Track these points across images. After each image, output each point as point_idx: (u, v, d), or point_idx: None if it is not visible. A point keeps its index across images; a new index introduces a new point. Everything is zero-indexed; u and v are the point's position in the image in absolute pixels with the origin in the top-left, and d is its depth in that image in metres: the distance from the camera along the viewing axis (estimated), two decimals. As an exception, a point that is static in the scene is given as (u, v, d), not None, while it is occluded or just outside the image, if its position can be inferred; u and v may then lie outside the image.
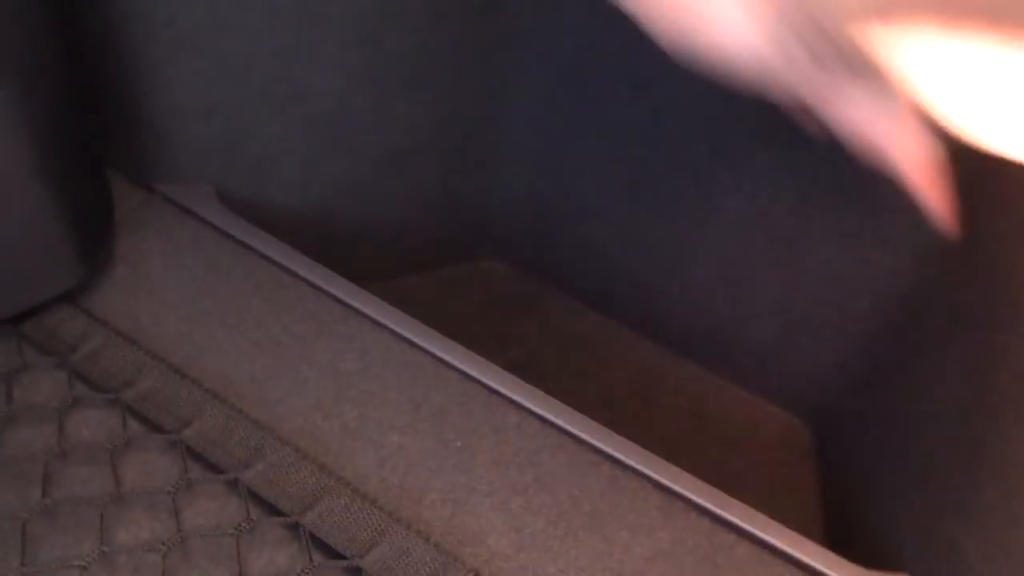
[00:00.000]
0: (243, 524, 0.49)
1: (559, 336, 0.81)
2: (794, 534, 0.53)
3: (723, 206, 0.68)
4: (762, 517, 0.54)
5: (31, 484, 0.50)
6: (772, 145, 0.64)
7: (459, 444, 0.55)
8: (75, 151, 0.56)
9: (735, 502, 0.54)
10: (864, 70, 0.24)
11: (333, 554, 0.49)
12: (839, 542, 0.67)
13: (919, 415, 0.59)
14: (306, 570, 0.47)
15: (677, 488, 0.55)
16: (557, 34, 0.67)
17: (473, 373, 0.58)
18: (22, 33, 0.48)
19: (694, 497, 0.54)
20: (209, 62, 0.61)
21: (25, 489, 0.50)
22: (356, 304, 0.61)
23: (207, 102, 0.63)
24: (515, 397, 0.57)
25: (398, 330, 0.60)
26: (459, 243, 0.80)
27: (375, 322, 0.61)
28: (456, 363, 0.59)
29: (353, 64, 0.64)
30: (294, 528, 0.50)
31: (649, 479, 0.55)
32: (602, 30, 0.66)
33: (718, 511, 0.54)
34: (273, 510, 0.50)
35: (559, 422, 0.57)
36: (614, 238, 0.75)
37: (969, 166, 0.41)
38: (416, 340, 0.59)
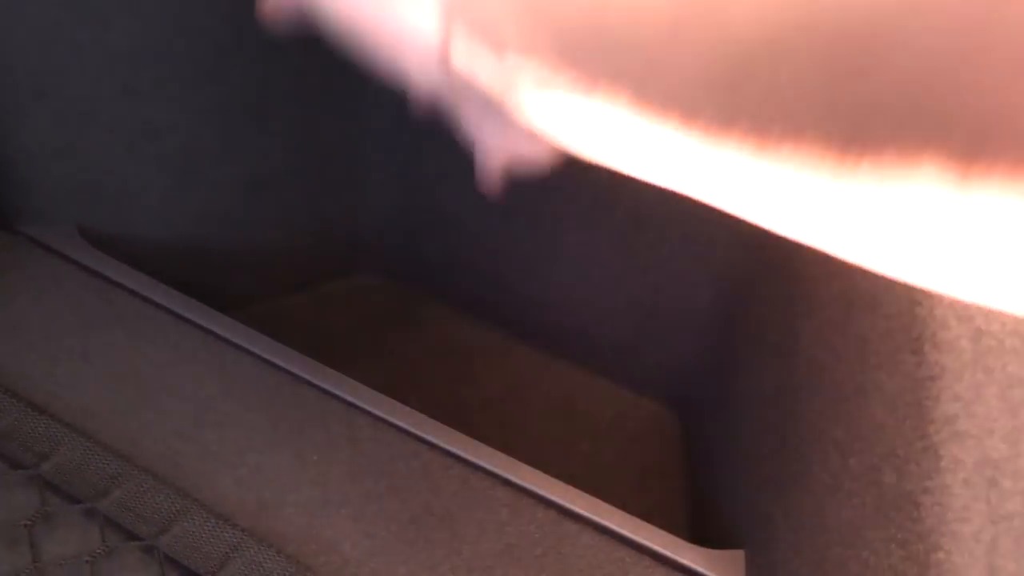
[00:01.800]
0: (99, 550, 0.51)
1: (435, 344, 0.84)
2: (636, 519, 0.57)
3: (568, 211, 0.72)
4: (605, 505, 0.58)
5: None
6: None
7: (316, 458, 0.58)
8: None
9: (580, 493, 0.58)
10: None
11: (187, 573, 0.51)
12: (700, 524, 0.72)
13: (748, 399, 0.63)
14: (160, 590, 0.50)
15: (525, 484, 0.58)
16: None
17: (330, 388, 0.61)
18: None
19: (541, 491, 0.58)
20: (55, 105, 0.63)
21: None
22: (217, 330, 0.63)
23: (58, 144, 0.65)
24: (371, 409, 0.60)
25: (258, 352, 0.62)
26: (332, 261, 0.83)
27: (236, 346, 0.63)
28: (314, 380, 0.61)
29: (198, 99, 0.66)
30: (149, 551, 0.52)
31: (498, 477, 0.59)
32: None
33: (564, 503, 0.58)
34: (130, 535, 0.52)
35: (414, 430, 0.60)
36: (477, 246, 0.79)
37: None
38: (276, 361, 0.62)
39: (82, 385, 0.60)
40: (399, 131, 0.75)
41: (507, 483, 0.59)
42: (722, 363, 0.73)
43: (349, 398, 0.61)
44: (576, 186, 0.70)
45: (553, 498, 0.58)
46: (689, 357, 0.78)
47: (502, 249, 0.77)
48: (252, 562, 0.51)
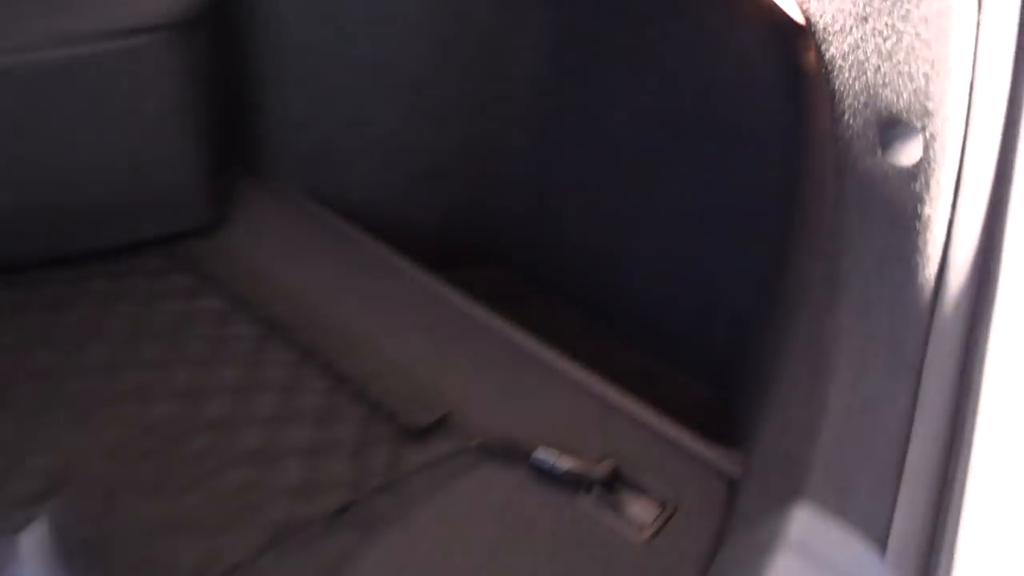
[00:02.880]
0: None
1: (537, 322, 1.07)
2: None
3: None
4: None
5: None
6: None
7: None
8: (218, 136, 0.87)
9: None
10: None
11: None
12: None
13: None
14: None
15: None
16: (544, 88, 0.97)
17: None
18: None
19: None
20: (310, 95, 0.92)
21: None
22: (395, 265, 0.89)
23: (304, 121, 0.94)
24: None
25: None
26: (469, 250, 1.08)
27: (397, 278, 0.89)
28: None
29: (407, 102, 0.95)
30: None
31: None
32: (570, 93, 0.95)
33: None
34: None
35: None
36: (581, 246, 1.02)
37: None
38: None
39: (293, 289, 0.86)
40: (539, 150, 1.01)
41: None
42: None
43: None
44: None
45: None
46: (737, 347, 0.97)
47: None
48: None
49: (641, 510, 0.70)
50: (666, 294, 0.97)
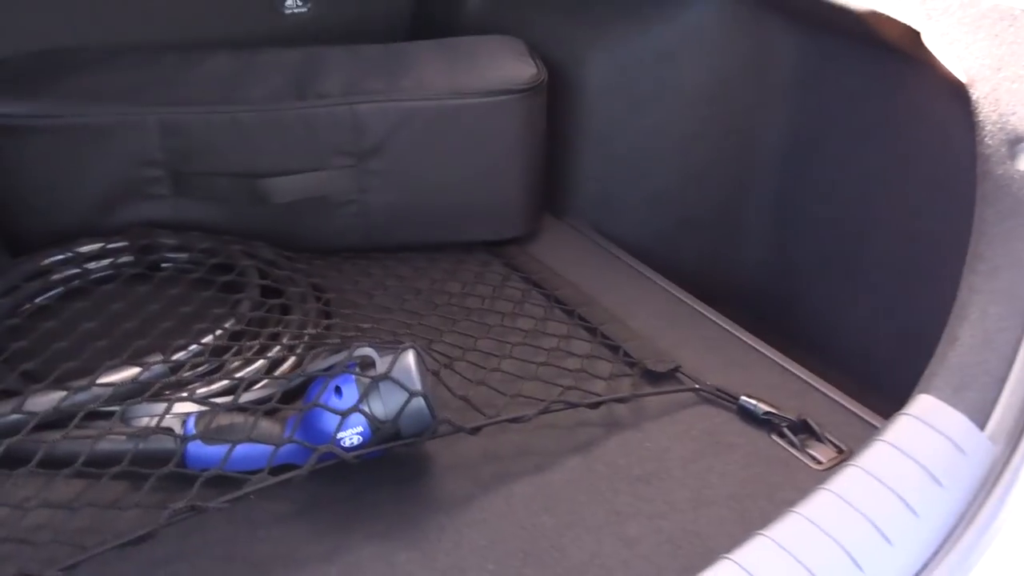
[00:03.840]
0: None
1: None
2: None
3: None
4: None
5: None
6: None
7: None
8: (538, 174, 1.22)
9: None
10: None
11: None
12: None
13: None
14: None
15: None
16: (785, 157, 1.23)
17: None
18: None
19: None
20: (603, 153, 1.25)
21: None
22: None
23: (596, 173, 1.27)
24: None
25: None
26: (716, 290, 1.33)
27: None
28: None
29: (676, 163, 1.25)
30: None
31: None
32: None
33: None
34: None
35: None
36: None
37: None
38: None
39: (577, 282, 1.16)
40: (777, 207, 1.26)
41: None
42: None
43: None
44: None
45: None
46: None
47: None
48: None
49: (820, 452, 0.90)
50: (875, 332, 1.16)
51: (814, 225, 1.24)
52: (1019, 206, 0.74)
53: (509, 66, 1.20)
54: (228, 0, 1.41)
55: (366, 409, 0.81)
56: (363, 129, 1.13)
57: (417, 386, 0.81)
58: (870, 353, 1.19)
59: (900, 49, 0.90)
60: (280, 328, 0.97)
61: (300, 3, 1.45)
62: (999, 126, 0.76)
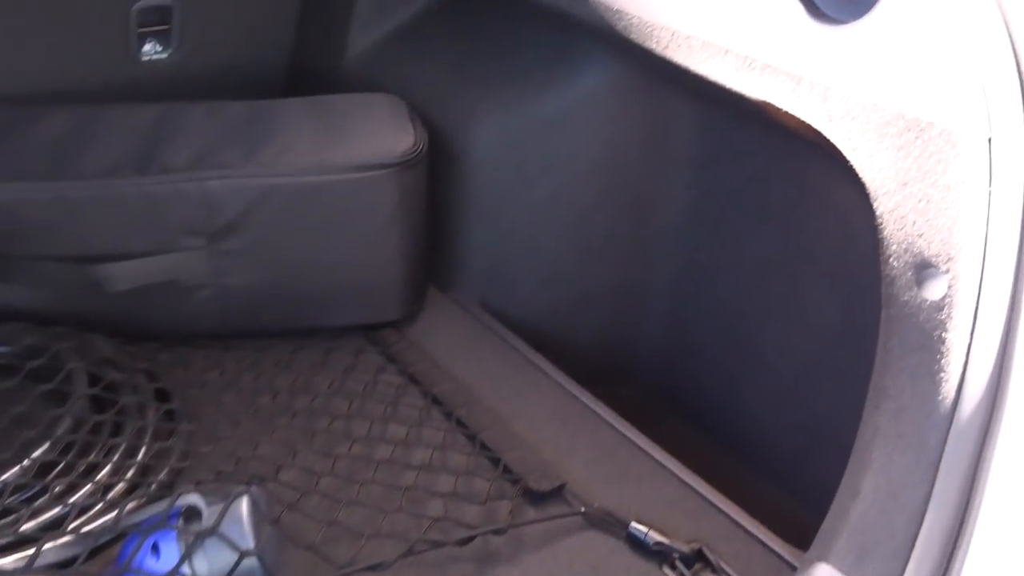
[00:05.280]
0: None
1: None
2: None
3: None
4: None
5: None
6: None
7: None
8: (416, 252, 1.11)
9: None
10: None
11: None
12: None
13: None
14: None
15: None
16: (684, 234, 1.15)
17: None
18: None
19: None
20: (491, 225, 1.15)
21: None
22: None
23: (485, 246, 1.17)
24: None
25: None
26: (611, 369, 1.24)
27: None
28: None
29: (570, 236, 1.15)
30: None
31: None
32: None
33: None
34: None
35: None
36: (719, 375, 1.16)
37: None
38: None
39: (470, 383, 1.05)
40: (675, 293, 1.18)
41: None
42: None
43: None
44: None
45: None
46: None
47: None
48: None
49: (717, 586, 0.81)
50: (776, 419, 1.09)
51: (714, 304, 1.16)
52: (926, 340, 0.66)
53: (384, 133, 1.08)
54: (74, 46, 1.25)
55: (187, 572, 0.68)
56: (215, 206, 1.00)
57: (250, 543, 0.69)
58: (773, 440, 1.11)
59: (803, 137, 0.82)
60: (102, 458, 0.83)
61: (159, 48, 1.30)
62: (904, 247, 0.68)
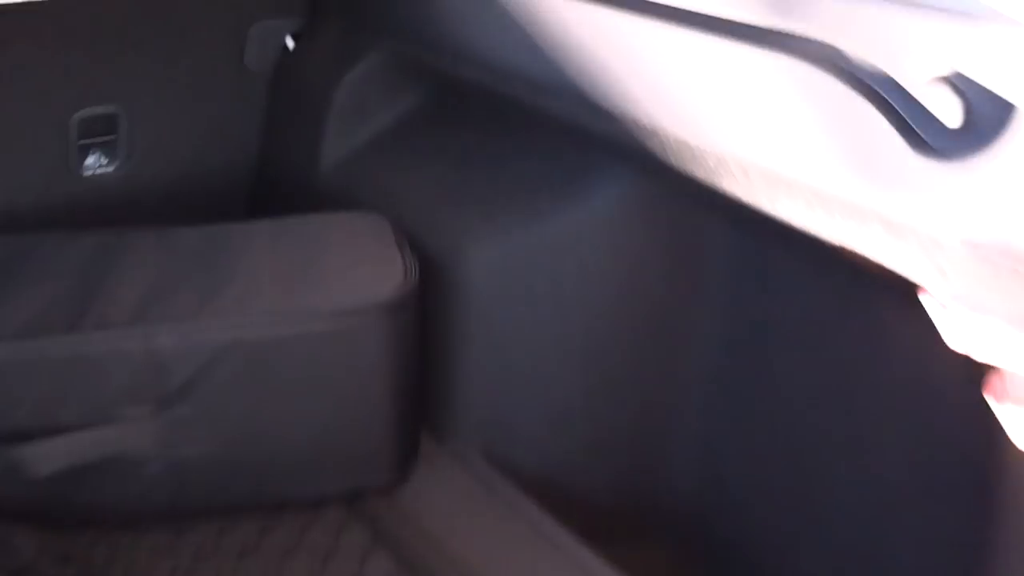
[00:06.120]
0: None
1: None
2: None
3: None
4: None
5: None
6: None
7: None
8: (409, 403, 0.94)
9: None
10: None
11: None
12: None
13: None
14: None
15: None
16: (715, 367, 0.99)
17: None
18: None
19: None
20: (495, 365, 0.98)
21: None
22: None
23: (488, 389, 1.00)
24: None
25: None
26: (634, 524, 1.07)
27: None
28: None
29: (584, 375, 0.99)
30: None
31: None
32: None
33: None
34: None
35: None
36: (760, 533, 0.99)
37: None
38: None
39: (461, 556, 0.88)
40: (705, 431, 1.01)
41: None
42: None
43: None
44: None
45: None
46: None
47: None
48: None
49: None
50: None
51: (755, 449, 1.00)
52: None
53: (367, 265, 0.92)
54: (4, 158, 1.08)
55: None
56: (164, 367, 0.83)
57: None
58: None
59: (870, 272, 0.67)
60: None
61: (104, 161, 1.14)
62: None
